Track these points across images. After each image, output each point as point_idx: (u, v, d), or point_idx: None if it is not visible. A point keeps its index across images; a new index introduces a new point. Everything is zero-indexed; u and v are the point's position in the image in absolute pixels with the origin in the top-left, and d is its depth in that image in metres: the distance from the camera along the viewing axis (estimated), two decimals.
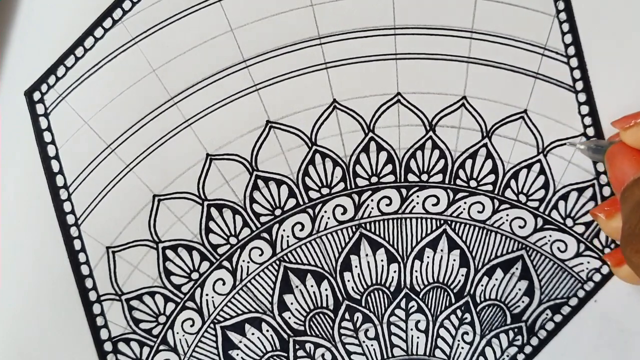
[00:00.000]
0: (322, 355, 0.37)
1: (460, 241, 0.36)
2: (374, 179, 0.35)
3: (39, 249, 0.36)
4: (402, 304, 0.37)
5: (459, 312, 0.37)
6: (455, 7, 0.33)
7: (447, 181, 0.35)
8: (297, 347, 0.37)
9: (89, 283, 0.36)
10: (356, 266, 0.36)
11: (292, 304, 0.36)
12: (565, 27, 0.34)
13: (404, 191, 0.35)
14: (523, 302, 0.36)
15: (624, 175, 0.28)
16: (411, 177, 0.35)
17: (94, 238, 0.36)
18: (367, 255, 0.36)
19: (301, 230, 0.36)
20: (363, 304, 0.37)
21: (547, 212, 0.35)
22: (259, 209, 0.36)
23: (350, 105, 0.35)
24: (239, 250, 0.36)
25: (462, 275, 0.36)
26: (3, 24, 0.36)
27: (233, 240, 0.36)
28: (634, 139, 0.28)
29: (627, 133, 0.28)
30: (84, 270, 0.36)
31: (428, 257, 0.36)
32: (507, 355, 0.36)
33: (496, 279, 0.36)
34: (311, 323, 0.37)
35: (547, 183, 0.35)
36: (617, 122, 0.29)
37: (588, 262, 0.35)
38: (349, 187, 0.36)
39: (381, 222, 0.36)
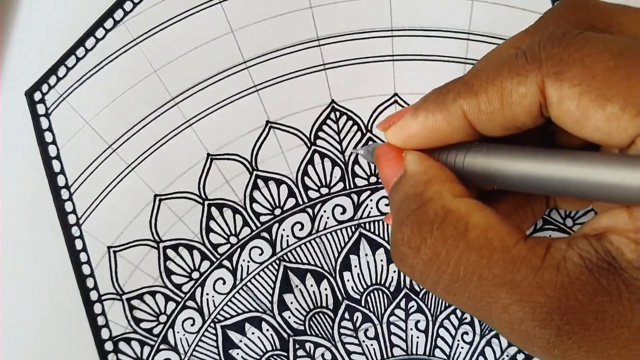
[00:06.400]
0: (322, 354, 0.37)
1: None
2: (373, 179, 0.35)
3: (40, 249, 0.36)
4: (402, 304, 0.37)
5: (458, 312, 0.37)
6: (452, 9, 0.33)
7: None
8: (297, 346, 0.37)
9: (90, 283, 0.36)
10: (356, 266, 0.36)
11: (292, 303, 0.37)
12: None
13: None
14: None
15: (387, 178, 0.27)
16: None
17: (95, 238, 0.36)
18: (366, 255, 0.36)
19: (301, 229, 0.36)
20: (363, 304, 0.37)
21: (547, 212, 0.35)
22: (258, 208, 0.36)
23: (348, 106, 0.35)
24: (239, 250, 0.36)
25: None
26: (4, 24, 0.36)
27: (233, 239, 0.36)
28: (397, 139, 0.27)
29: (388, 133, 0.27)
30: (85, 269, 0.36)
31: None
32: (507, 355, 0.36)
33: None
34: (311, 322, 0.37)
35: None
36: (381, 124, 0.28)
37: None
38: (348, 187, 0.36)
39: (380, 222, 0.36)
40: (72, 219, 0.36)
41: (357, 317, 0.37)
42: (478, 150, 0.25)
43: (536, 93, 0.22)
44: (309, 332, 0.37)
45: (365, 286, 0.37)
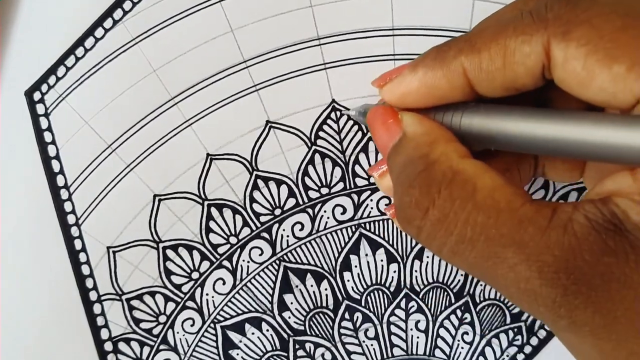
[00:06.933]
0: (322, 355, 0.37)
1: None
2: (374, 179, 0.35)
3: (40, 249, 0.36)
4: (402, 304, 0.37)
5: (458, 312, 0.37)
6: (453, 8, 0.33)
7: None
8: (297, 346, 0.37)
9: (89, 283, 0.36)
10: (356, 266, 0.36)
11: (292, 303, 0.37)
12: None
13: None
14: None
15: (383, 141, 0.27)
16: None
17: (95, 238, 0.36)
18: (366, 255, 0.36)
19: (301, 230, 0.36)
20: (363, 304, 0.37)
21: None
22: (258, 208, 0.36)
23: (349, 105, 0.35)
24: (239, 250, 0.36)
25: (462, 274, 0.36)
26: (4, 24, 0.36)
27: (233, 239, 0.36)
28: (392, 96, 0.26)
29: (385, 90, 0.27)
30: (85, 270, 0.36)
31: (427, 256, 0.36)
32: (507, 355, 0.36)
33: None
34: (311, 323, 0.37)
35: (547, 183, 0.35)
36: (376, 80, 0.28)
37: None
38: (348, 187, 0.36)
39: (381, 222, 0.36)
40: (71, 219, 0.36)
41: (357, 317, 0.37)
42: (475, 110, 0.25)
43: (540, 53, 0.22)
44: (309, 332, 0.37)
45: (365, 286, 0.37)
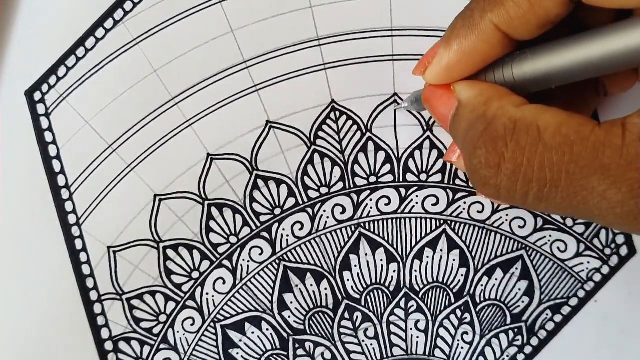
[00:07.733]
0: (322, 354, 0.37)
1: (460, 241, 0.36)
2: (373, 179, 0.35)
3: (40, 249, 0.36)
4: (402, 304, 0.37)
5: (458, 312, 0.37)
6: (452, 8, 0.33)
7: (446, 181, 0.35)
8: (296, 346, 0.37)
9: (90, 283, 0.36)
10: (355, 265, 0.36)
11: (291, 303, 0.37)
12: None
13: (402, 191, 0.36)
14: (523, 302, 0.36)
15: (443, 115, 0.27)
16: (410, 177, 0.35)
17: (95, 238, 0.36)
18: (366, 254, 0.36)
19: (301, 229, 0.36)
20: (362, 304, 0.37)
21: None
22: (258, 208, 0.36)
23: (348, 106, 0.35)
24: (239, 250, 0.36)
25: (462, 275, 0.36)
26: (4, 24, 0.36)
27: (233, 239, 0.36)
28: (438, 77, 0.27)
29: (428, 74, 0.27)
30: (85, 269, 0.36)
31: (428, 256, 0.36)
32: (507, 356, 0.36)
33: (496, 279, 0.36)
34: (311, 322, 0.37)
35: None
36: (416, 69, 0.28)
37: (588, 262, 0.35)
38: (347, 187, 0.36)
39: (380, 222, 0.36)
40: (72, 218, 0.36)
41: (357, 316, 0.37)
42: (523, 57, 0.25)
43: None
44: (308, 332, 0.37)
45: (365, 286, 0.37)
